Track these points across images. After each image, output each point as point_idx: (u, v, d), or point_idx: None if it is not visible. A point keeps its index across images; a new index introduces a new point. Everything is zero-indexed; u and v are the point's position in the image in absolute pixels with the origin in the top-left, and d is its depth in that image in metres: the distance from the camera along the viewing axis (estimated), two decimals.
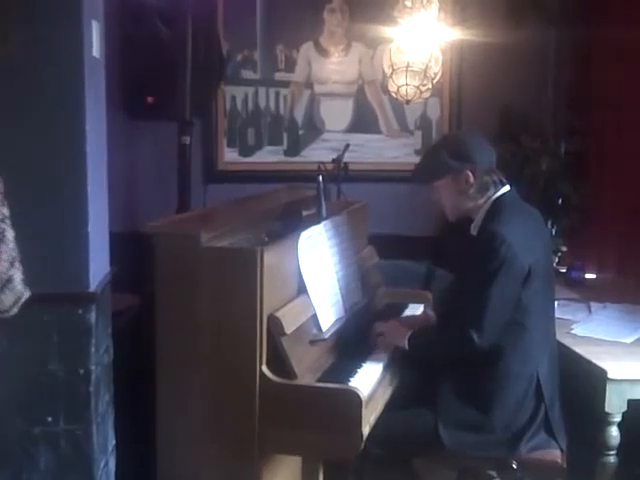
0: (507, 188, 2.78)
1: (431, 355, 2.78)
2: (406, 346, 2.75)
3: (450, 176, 2.75)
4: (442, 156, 2.75)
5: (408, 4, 3.82)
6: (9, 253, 1.46)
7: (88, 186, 2.20)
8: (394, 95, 3.99)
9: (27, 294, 1.47)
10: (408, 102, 3.92)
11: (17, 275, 1.46)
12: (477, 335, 2.57)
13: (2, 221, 1.47)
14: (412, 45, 3.84)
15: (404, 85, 3.85)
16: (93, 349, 2.16)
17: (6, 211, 1.47)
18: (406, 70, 3.82)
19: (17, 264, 1.47)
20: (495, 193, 2.75)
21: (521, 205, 2.83)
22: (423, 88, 3.86)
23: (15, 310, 1.46)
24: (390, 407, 2.65)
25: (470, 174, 2.72)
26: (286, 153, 4.81)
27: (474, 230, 2.78)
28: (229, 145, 4.76)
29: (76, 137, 2.18)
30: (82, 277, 2.18)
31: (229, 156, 4.76)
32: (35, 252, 2.14)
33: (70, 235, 2.17)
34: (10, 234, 1.47)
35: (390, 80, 3.92)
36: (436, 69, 3.91)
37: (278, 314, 2.41)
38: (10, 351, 2.09)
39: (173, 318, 2.45)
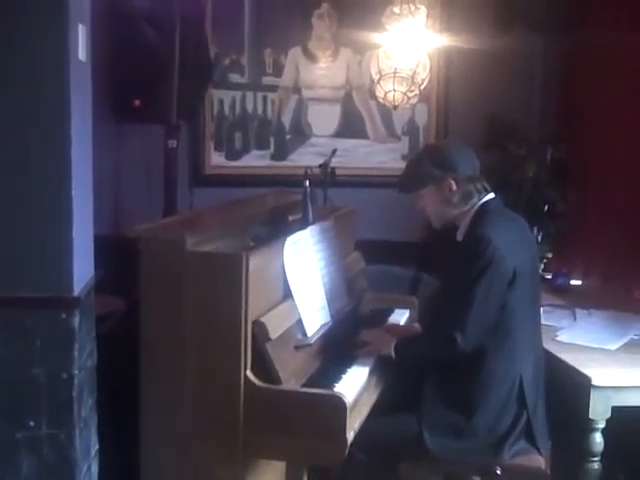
0: (492, 195, 2.82)
1: (417, 360, 2.79)
2: (392, 353, 2.76)
3: (433, 185, 2.79)
4: (425, 165, 2.79)
5: (396, 10, 3.82)
6: None
7: (73, 190, 2.18)
8: (381, 101, 3.99)
9: None
10: (395, 108, 3.93)
11: None
12: (461, 336, 2.59)
13: None
14: (400, 51, 3.85)
15: (391, 91, 3.86)
16: (76, 353, 2.14)
17: None
18: (394, 76, 3.82)
19: None
20: (480, 200, 2.79)
21: (506, 212, 2.86)
22: (410, 94, 3.87)
23: None
24: (375, 412, 2.65)
25: (452, 182, 2.76)
26: (273, 157, 4.81)
27: (460, 236, 2.82)
28: (216, 149, 4.75)
29: (61, 141, 2.16)
30: (66, 281, 2.16)
31: (216, 160, 4.75)
32: (19, 256, 2.15)
33: (54, 239, 2.15)
34: None
35: (378, 86, 3.92)
36: (423, 75, 3.92)
37: (263, 319, 2.40)
38: None
39: (158, 322, 2.45)
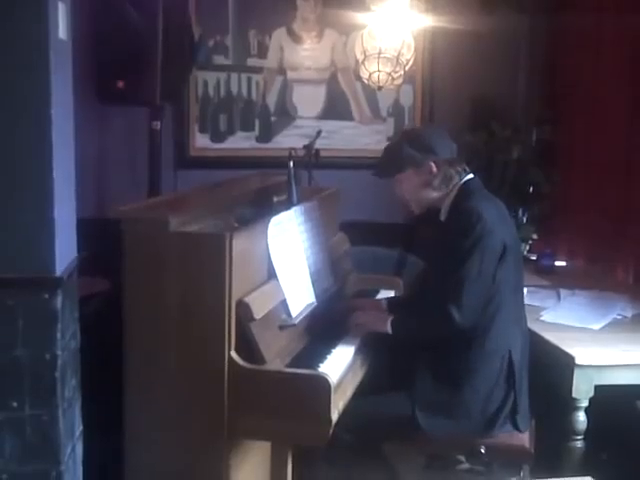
0: (471, 175, 2.82)
1: (415, 336, 2.78)
2: (389, 330, 2.76)
3: (412, 168, 2.80)
4: (404, 149, 2.79)
5: None
6: None
7: (53, 171, 2.16)
8: (366, 81, 3.99)
9: None
10: (380, 88, 3.93)
11: None
12: (457, 312, 2.59)
13: None
14: (384, 32, 3.84)
15: (376, 72, 3.86)
16: (59, 334, 2.12)
17: None
18: (378, 57, 3.82)
19: None
20: (461, 180, 2.79)
21: (485, 191, 2.87)
22: (395, 75, 3.87)
23: None
24: (365, 392, 2.66)
25: (433, 165, 2.77)
26: (258, 139, 4.79)
27: (443, 216, 2.81)
28: (200, 131, 4.73)
29: (41, 122, 2.14)
30: (48, 262, 2.14)
31: (200, 142, 4.72)
32: (0, 237, 2.14)
33: (35, 220, 2.13)
34: None
35: (362, 66, 3.92)
36: (408, 56, 3.91)
37: (247, 299, 2.40)
38: None
39: (141, 303, 2.44)
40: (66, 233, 2.28)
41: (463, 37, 4.53)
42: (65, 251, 2.26)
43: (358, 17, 4.18)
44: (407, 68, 3.96)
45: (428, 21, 4.29)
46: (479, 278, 2.62)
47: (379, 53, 3.80)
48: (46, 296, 2.12)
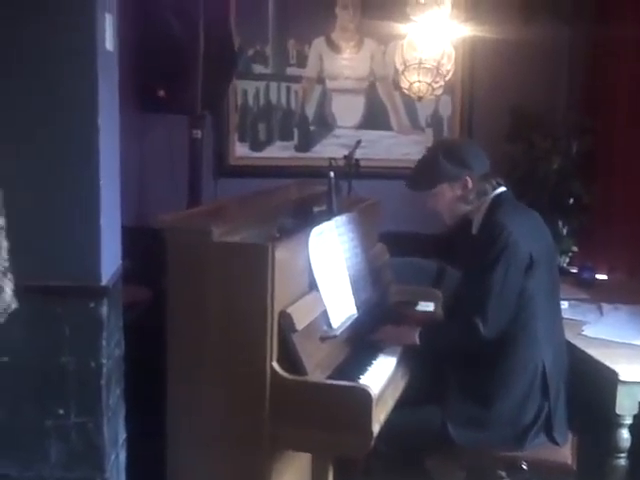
0: (503, 188, 2.82)
1: (441, 348, 2.78)
2: (417, 340, 2.75)
3: (447, 182, 2.78)
4: (440, 162, 2.78)
5: (421, 1, 3.80)
6: (2, 264, 1.43)
7: (100, 179, 2.19)
8: (406, 92, 3.98)
9: (14, 306, 1.45)
10: (420, 99, 3.92)
11: (8, 286, 1.44)
12: (482, 323, 2.59)
13: None
14: (424, 42, 3.83)
15: (416, 82, 3.84)
16: (104, 342, 2.15)
17: (2, 222, 1.45)
18: (418, 67, 3.81)
19: (9, 275, 1.44)
20: (493, 193, 2.79)
21: (518, 203, 2.87)
22: (435, 85, 3.86)
23: (1, 320, 1.43)
24: (399, 404, 2.65)
25: (469, 179, 2.75)
26: (297, 148, 4.80)
27: (475, 229, 2.82)
28: (240, 140, 4.75)
29: (89, 130, 2.17)
30: (94, 270, 2.17)
31: (240, 151, 4.75)
32: (49, 245, 2.16)
33: (82, 228, 2.16)
34: (4, 244, 1.45)
35: (402, 77, 3.91)
36: (448, 66, 3.90)
37: (289, 310, 2.40)
38: (23, 343, 2.10)
39: (184, 313, 2.45)
40: (111, 242, 2.31)
41: (503, 46, 4.50)
42: (110, 259, 2.28)
43: (397, 27, 4.18)
44: (447, 78, 3.94)
45: (468, 31, 4.27)
46: (505, 289, 2.61)
47: (419, 63, 3.79)
48: (92, 305, 2.15)
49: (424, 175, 2.86)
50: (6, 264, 1.44)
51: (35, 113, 2.14)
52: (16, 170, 2.05)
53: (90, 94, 2.17)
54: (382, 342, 2.85)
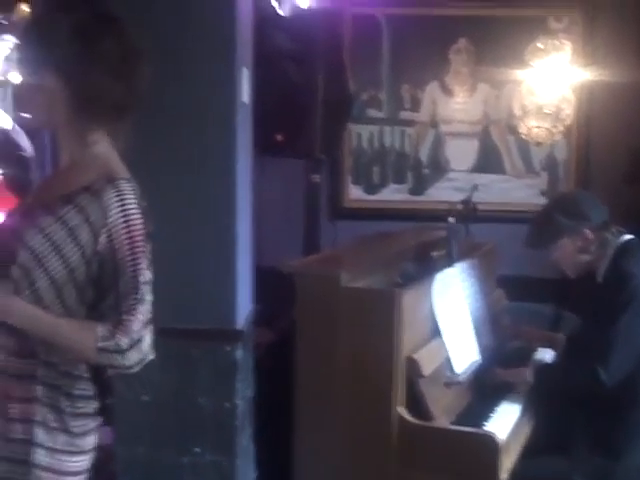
0: (630, 236, 2.77)
1: (556, 389, 2.75)
2: (531, 378, 2.73)
3: (567, 237, 2.75)
4: (556, 218, 2.76)
5: (540, 46, 3.81)
6: (146, 315, 1.52)
7: (237, 224, 2.29)
8: (524, 137, 3.98)
9: (151, 356, 1.53)
10: (539, 144, 3.90)
11: (148, 337, 1.52)
12: (603, 370, 2.54)
13: (145, 284, 1.53)
14: (544, 87, 3.83)
15: (535, 127, 3.84)
16: (239, 384, 2.23)
17: (150, 275, 1.54)
18: (538, 112, 3.80)
19: (150, 327, 1.52)
20: (618, 240, 2.75)
21: None
22: (554, 130, 3.85)
23: (137, 369, 1.51)
24: (524, 453, 2.62)
25: (589, 232, 2.72)
26: (411, 192, 4.83)
27: (599, 277, 2.77)
28: (354, 182, 4.83)
29: (228, 176, 2.29)
30: (229, 314, 2.26)
31: (354, 193, 4.82)
32: (186, 289, 2.26)
33: (219, 273, 2.26)
34: (149, 297, 1.53)
35: (521, 122, 3.91)
36: (568, 111, 3.88)
37: (416, 356, 2.43)
38: (162, 383, 2.19)
39: (312, 355, 2.51)
40: (245, 285, 2.40)
41: (621, 89, 4.43)
42: (244, 303, 2.37)
43: (512, 72, 4.19)
44: (566, 123, 3.92)
45: (587, 75, 4.24)
46: (629, 339, 2.57)
47: (539, 109, 3.79)
48: (228, 348, 2.23)
49: (542, 232, 2.85)
50: (149, 315, 1.53)
51: (180, 161, 2.26)
52: (161, 222, 2.15)
53: (230, 144, 2.29)
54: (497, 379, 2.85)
